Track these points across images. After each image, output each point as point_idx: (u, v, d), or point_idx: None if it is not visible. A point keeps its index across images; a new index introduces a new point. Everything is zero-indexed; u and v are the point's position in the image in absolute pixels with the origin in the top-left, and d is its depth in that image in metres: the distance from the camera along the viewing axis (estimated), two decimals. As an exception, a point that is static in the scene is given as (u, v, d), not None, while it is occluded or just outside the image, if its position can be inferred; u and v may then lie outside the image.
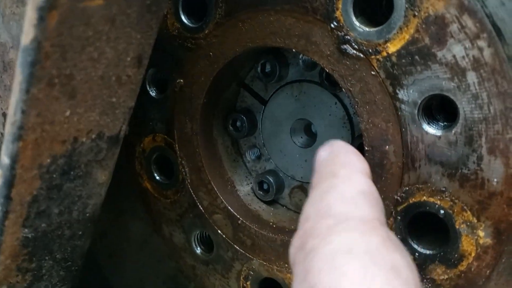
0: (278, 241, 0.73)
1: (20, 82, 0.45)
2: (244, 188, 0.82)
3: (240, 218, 0.76)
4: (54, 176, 0.54)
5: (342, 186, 0.45)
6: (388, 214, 0.62)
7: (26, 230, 0.55)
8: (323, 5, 0.61)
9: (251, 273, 0.76)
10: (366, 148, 0.62)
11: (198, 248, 0.83)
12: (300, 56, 0.74)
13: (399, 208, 0.61)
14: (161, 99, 0.79)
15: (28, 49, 0.43)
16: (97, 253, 0.95)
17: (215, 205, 0.78)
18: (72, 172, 0.55)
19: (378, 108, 0.60)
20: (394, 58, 0.57)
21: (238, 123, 0.80)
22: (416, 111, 0.57)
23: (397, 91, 0.58)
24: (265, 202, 0.81)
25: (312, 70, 0.73)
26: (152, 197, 0.85)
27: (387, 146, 0.60)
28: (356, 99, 0.61)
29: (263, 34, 0.67)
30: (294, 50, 0.65)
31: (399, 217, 0.61)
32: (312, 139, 0.76)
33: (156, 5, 0.50)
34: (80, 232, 0.64)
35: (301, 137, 0.77)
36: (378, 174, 0.62)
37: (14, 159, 0.49)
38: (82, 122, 0.52)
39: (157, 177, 0.84)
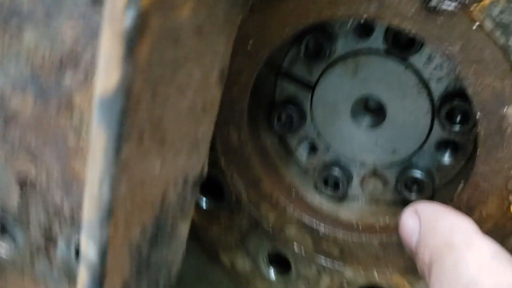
0: (374, 243, 0.63)
1: (105, 145, 0.31)
2: (308, 190, 0.70)
3: (321, 225, 0.65)
4: (143, 249, 0.41)
5: (471, 256, 0.42)
6: (517, 185, 0.53)
7: (117, 323, 0.42)
8: (397, -44, 0.49)
9: (345, 283, 0.66)
10: (479, 114, 0.52)
11: (271, 270, 0.71)
12: (349, 24, 0.63)
13: (529, 175, 0.52)
14: (192, 111, 0.65)
15: (112, 97, 0.29)
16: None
17: (285, 218, 0.67)
18: (158, 237, 0.43)
19: (488, 66, 0.50)
20: (502, 2, 0.47)
21: (283, 117, 0.69)
22: (539, 60, 0.48)
23: (511, 41, 0.48)
24: (335, 200, 0.70)
25: (367, 38, 0.62)
26: (201, 226, 0.72)
27: (505, 108, 0.51)
28: (458, 60, 0.51)
29: (318, 7, 0.54)
30: (365, 17, 0.53)
31: (531, 186, 0.53)
32: (380, 117, 0.65)
33: (240, -4, 0.37)
34: (166, 301, 0.51)
35: (365, 117, 0.67)
36: (498, 142, 0.52)
37: (105, 244, 0.35)
38: (170, 171, 0.39)
39: (203, 202, 0.71)
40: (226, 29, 0.36)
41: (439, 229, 0.45)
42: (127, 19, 0.27)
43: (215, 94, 0.39)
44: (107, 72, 0.28)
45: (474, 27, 0.49)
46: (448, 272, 0.42)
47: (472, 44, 0.50)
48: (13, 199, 0.57)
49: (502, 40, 0.49)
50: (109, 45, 0.28)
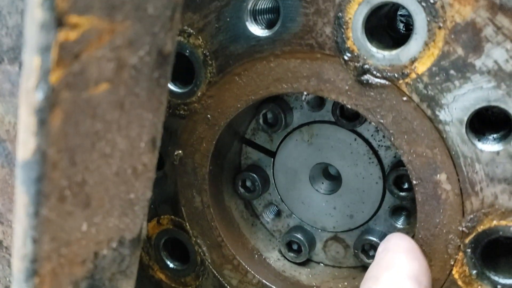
0: (331, 306, 0.64)
1: (26, 204, 0.35)
2: (272, 254, 0.73)
3: (281, 289, 0.67)
4: (78, 305, 0.44)
5: None
6: (456, 249, 0.55)
7: None
8: (331, 38, 0.55)
9: None
10: (414, 181, 0.55)
11: (236, 334, 0.72)
12: (303, 98, 0.67)
13: (467, 240, 0.54)
14: (159, 177, 0.70)
15: (30, 163, 0.34)
16: None
17: (247, 282, 0.69)
18: (96, 294, 0.45)
19: (418, 136, 0.54)
20: (425, 78, 0.52)
21: (248, 183, 0.72)
22: (464, 130, 0.51)
23: (437, 112, 0.52)
24: (299, 264, 0.72)
25: (320, 110, 0.67)
26: (169, 288, 0.75)
27: (438, 175, 0.54)
28: (391, 131, 0.55)
29: (266, 83, 0.60)
30: (305, 93, 0.58)
31: (469, 250, 0.54)
32: (337, 183, 0.68)
33: (164, 77, 0.42)
34: None
35: (323, 183, 0.70)
36: (435, 207, 0.55)
37: (31, 301, 0.38)
38: (101, 232, 0.42)
39: (171, 265, 0.74)
40: (152, 105, 0.41)
41: (382, 262, 0.51)
42: (38, 95, 0.32)
43: (147, 160, 0.43)
44: (25, 141, 0.33)
45: (403, 100, 0.53)
46: None
47: (402, 116, 0.54)
48: (-18, 258, 0.61)
49: (429, 112, 0.52)
50: (24, 118, 0.33)
